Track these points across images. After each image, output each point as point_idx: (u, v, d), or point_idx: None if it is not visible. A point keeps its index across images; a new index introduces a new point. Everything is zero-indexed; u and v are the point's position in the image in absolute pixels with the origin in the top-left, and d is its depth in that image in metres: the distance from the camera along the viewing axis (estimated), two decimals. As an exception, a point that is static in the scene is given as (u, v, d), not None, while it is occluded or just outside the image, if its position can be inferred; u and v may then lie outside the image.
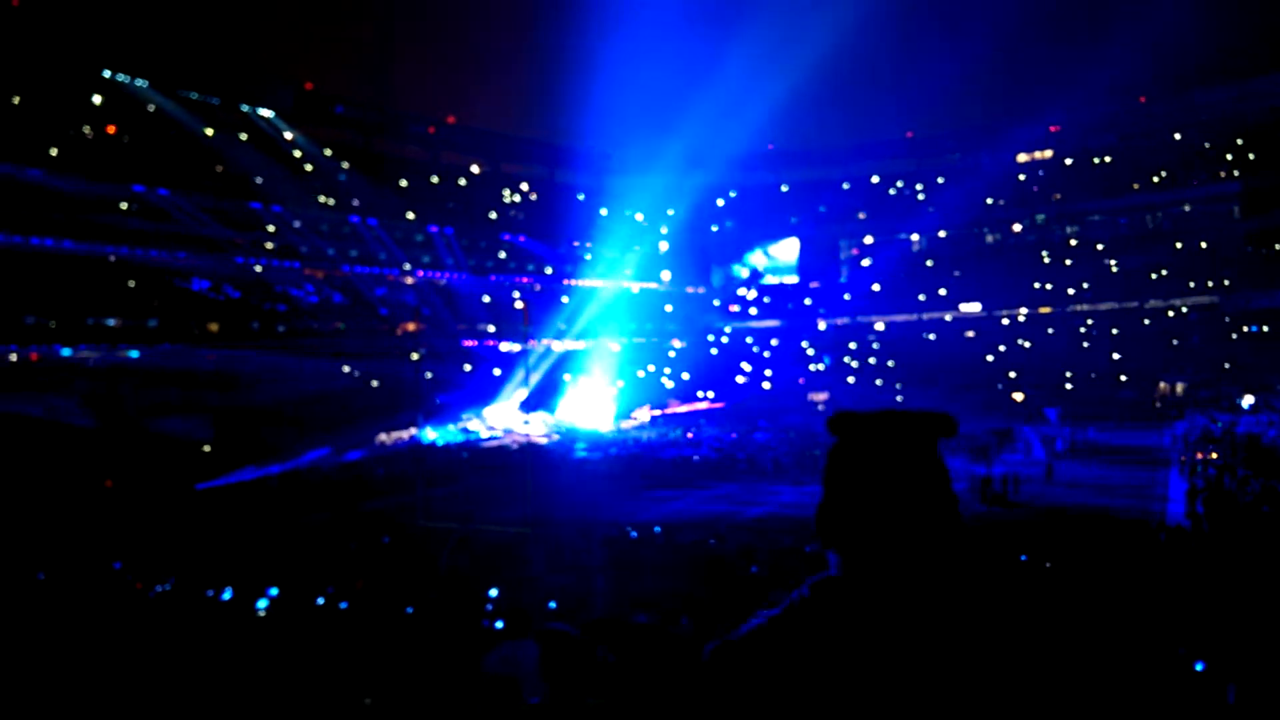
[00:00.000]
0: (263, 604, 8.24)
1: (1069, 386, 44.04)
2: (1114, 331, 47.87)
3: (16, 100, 37.27)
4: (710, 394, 48.18)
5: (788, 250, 62.07)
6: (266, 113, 48.35)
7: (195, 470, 25.23)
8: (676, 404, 46.26)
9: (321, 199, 46.97)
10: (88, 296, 36.24)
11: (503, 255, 55.96)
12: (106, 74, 41.18)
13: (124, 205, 39.12)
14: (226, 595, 9.22)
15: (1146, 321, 47.74)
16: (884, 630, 1.31)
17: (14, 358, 32.98)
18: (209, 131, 43.79)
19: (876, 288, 58.11)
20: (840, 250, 62.32)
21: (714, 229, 64.31)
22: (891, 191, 62.76)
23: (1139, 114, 55.83)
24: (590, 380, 47.43)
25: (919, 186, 62.09)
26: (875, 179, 63.53)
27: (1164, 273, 49.81)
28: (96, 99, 40.44)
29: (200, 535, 18.32)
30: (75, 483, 21.92)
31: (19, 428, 26.18)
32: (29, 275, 34.60)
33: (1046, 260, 54.86)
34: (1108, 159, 56.77)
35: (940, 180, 61.76)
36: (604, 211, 63.89)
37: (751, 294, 61.33)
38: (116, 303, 36.78)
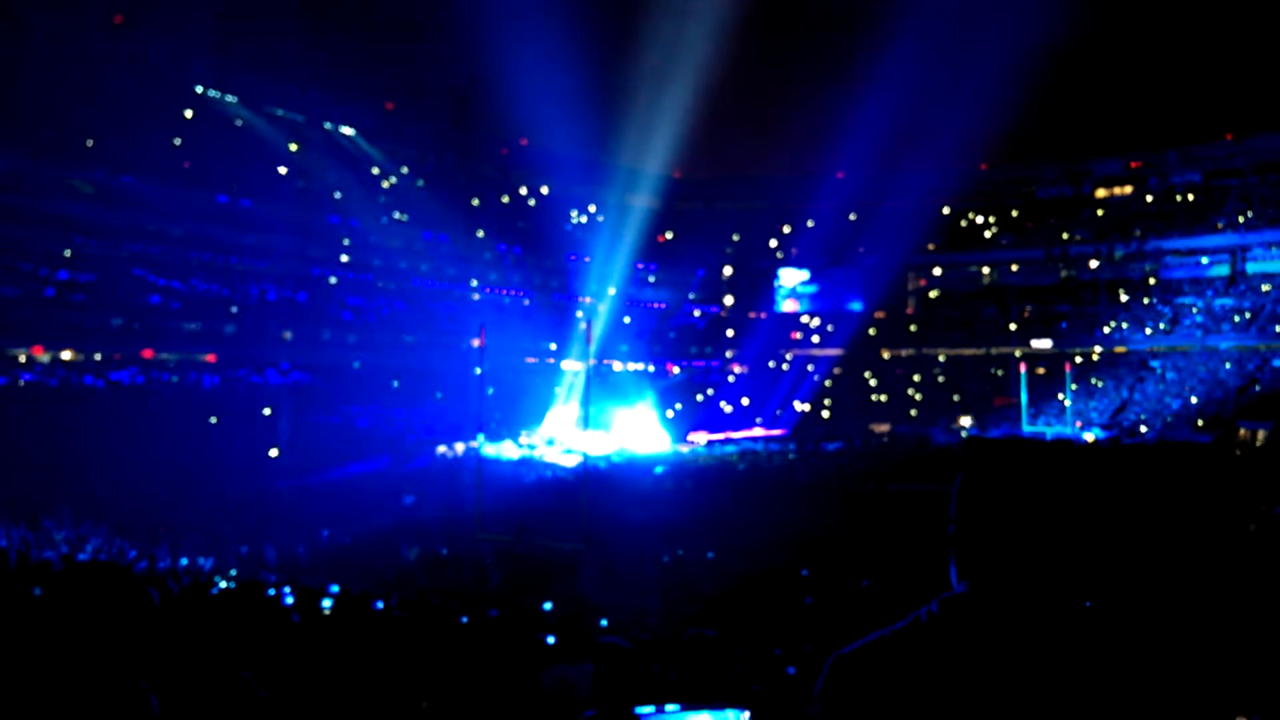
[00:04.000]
0: (327, 603, 8.45)
1: (1143, 429, 42.66)
2: (1192, 373, 46.27)
3: (111, 109, 39.12)
4: (767, 420, 47.82)
5: (854, 278, 61.51)
6: (348, 130, 49.95)
7: (267, 473, 25.96)
8: (733, 431, 46.01)
9: (396, 215, 48.27)
10: (170, 302, 37.67)
11: (568, 275, 56.61)
12: (198, 89, 43.04)
13: (208, 215, 40.63)
14: (288, 599, 9.44)
15: (1228, 365, 46.03)
16: (1022, 650, 1.30)
17: (98, 357, 34.47)
18: (292, 147, 45.41)
19: (943, 320, 57.22)
20: (908, 281, 61.50)
21: (779, 255, 64.09)
22: (963, 224, 61.84)
23: (1228, 151, 54.29)
24: (647, 402, 47.54)
25: (991, 219, 61.08)
26: (946, 210, 62.70)
27: (1247, 315, 48.04)
28: (188, 113, 42.25)
29: (270, 535, 18.83)
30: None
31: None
32: (119, 281, 36.17)
33: (1124, 298, 53.37)
34: (1190, 197, 55.15)
35: (1014, 214, 60.69)
36: (669, 235, 64.24)
37: (814, 321, 60.83)
38: (195, 308, 38.15)
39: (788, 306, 62.09)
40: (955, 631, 1.34)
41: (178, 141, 41.26)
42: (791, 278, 62.75)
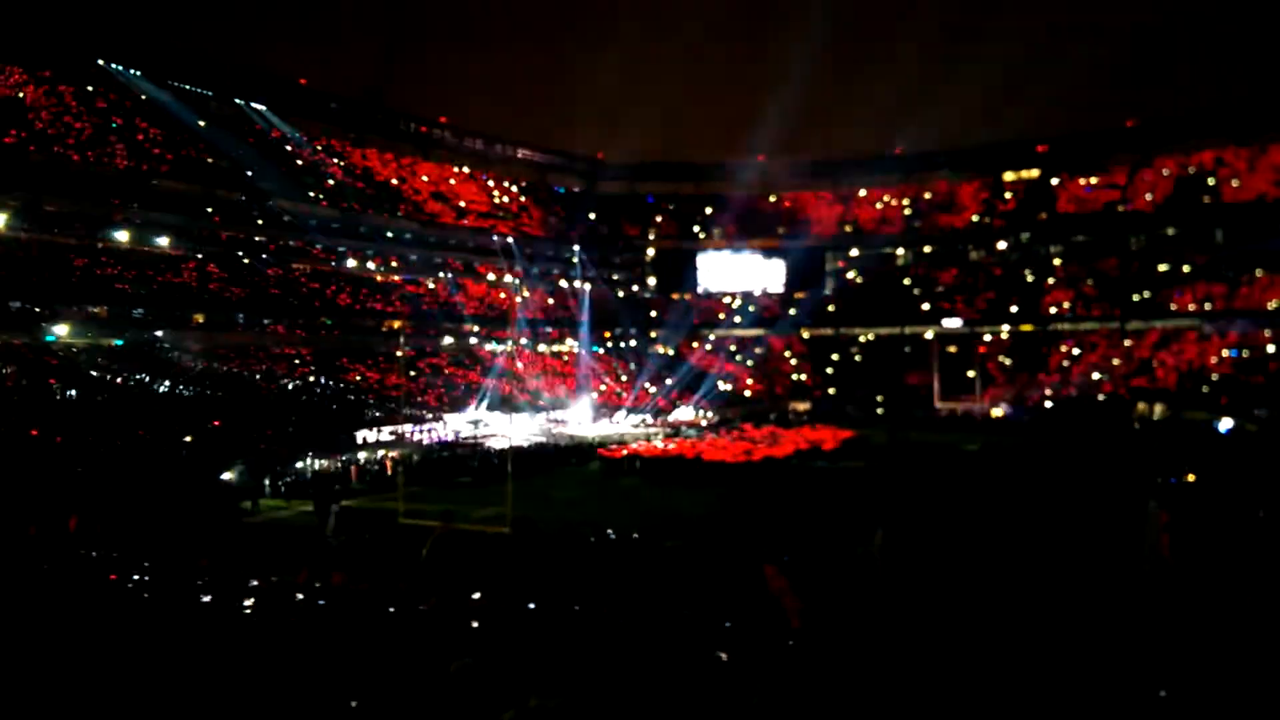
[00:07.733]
0: (249, 601, 8.40)
1: (1048, 405, 44.58)
2: (1096, 349, 48.51)
3: (14, 85, 37.21)
4: (690, 399, 48.42)
5: (774, 260, 62.50)
6: (260, 106, 48.44)
7: (188, 462, 25.22)
8: (657, 411, 46.45)
9: (312, 193, 46.98)
10: (76, 283, 36.09)
11: (492, 255, 56.07)
12: (101, 63, 41.21)
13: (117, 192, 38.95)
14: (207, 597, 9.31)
15: (1128, 342, 48.38)
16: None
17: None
18: (201, 123, 43.83)
19: (860, 300, 58.62)
20: (826, 262, 62.76)
21: (701, 236, 64.66)
22: (879, 206, 63.33)
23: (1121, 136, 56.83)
24: (576, 382, 47.72)
25: (905, 202, 62.68)
26: (863, 193, 64.19)
27: (1146, 294, 50.51)
28: (90, 87, 40.41)
29: (192, 525, 18.41)
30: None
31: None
32: (12, 261, 34.51)
33: (1030, 279, 55.53)
34: (1093, 181, 57.55)
35: (928, 196, 62.42)
36: (593, 215, 64.18)
37: (736, 302, 61.68)
38: (103, 291, 36.64)
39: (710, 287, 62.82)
40: (789, 679, 1.53)
41: (83, 117, 39.49)
42: (715, 260, 63.46)
